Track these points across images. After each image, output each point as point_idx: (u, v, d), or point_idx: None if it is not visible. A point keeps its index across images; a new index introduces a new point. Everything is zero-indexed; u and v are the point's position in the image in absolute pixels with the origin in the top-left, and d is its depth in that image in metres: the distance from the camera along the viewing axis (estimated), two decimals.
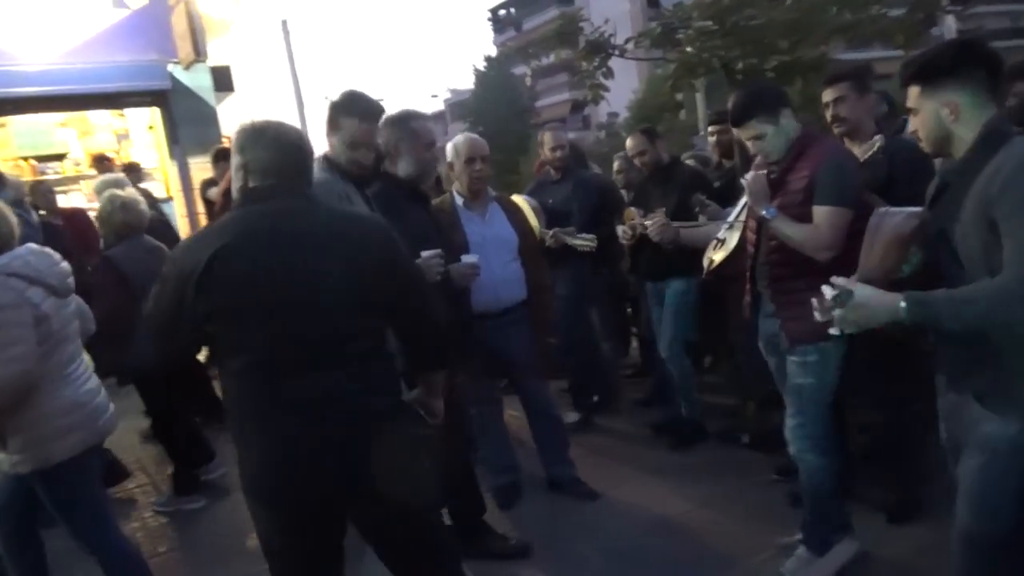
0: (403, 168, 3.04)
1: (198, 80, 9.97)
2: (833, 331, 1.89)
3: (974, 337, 1.78)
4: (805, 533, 2.88)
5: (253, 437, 1.93)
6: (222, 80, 10.60)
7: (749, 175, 2.79)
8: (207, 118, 9.75)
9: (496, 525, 3.43)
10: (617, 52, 6.01)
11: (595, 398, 4.93)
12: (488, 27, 46.44)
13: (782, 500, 3.39)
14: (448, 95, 54.97)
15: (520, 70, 38.43)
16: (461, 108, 42.47)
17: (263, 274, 1.86)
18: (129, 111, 10.53)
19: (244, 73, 12.45)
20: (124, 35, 9.38)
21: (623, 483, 3.87)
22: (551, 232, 4.31)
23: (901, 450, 3.22)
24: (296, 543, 2.00)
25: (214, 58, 10.39)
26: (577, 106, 45.40)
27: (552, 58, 6.18)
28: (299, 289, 1.86)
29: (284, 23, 16.52)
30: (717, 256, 3.09)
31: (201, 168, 8.89)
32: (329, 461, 1.89)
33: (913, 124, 1.99)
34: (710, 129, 4.80)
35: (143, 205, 4.22)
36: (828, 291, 1.86)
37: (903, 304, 1.76)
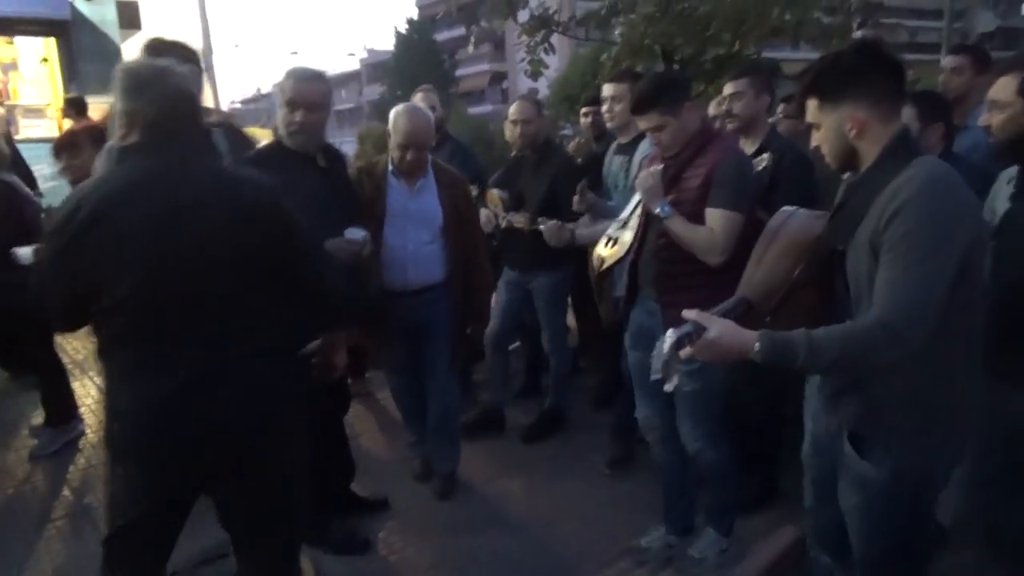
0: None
1: (102, 13, 9.24)
2: (668, 387, 1.67)
3: None
4: (712, 518, 2.96)
5: (130, 394, 1.87)
6: (128, 16, 9.90)
7: (643, 171, 2.68)
8: (110, 55, 9.05)
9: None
10: (560, 29, 5.90)
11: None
12: None
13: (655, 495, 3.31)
14: (365, 55, 53.55)
15: (443, 36, 37.80)
16: (379, 70, 41.42)
17: (139, 235, 1.77)
18: (20, 40, 9.65)
19: (152, 11, 11.60)
20: None
21: (500, 479, 3.73)
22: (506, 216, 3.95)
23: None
24: (149, 513, 1.94)
25: None
26: (496, 78, 45.17)
27: (494, 24, 6.00)
28: (176, 253, 1.79)
29: None
30: (608, 253, 2.92)
31: (101, 109, 8.24)
32: (206, 422, 1.85)
33: (815, 139, 1.82)
34: (583, 110, 4.56)
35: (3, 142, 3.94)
36: (670, 337, 1.63)
37: (757, 345, 1.62)
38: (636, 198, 2.78)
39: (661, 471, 3.03)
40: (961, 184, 1.66)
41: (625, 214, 2.89)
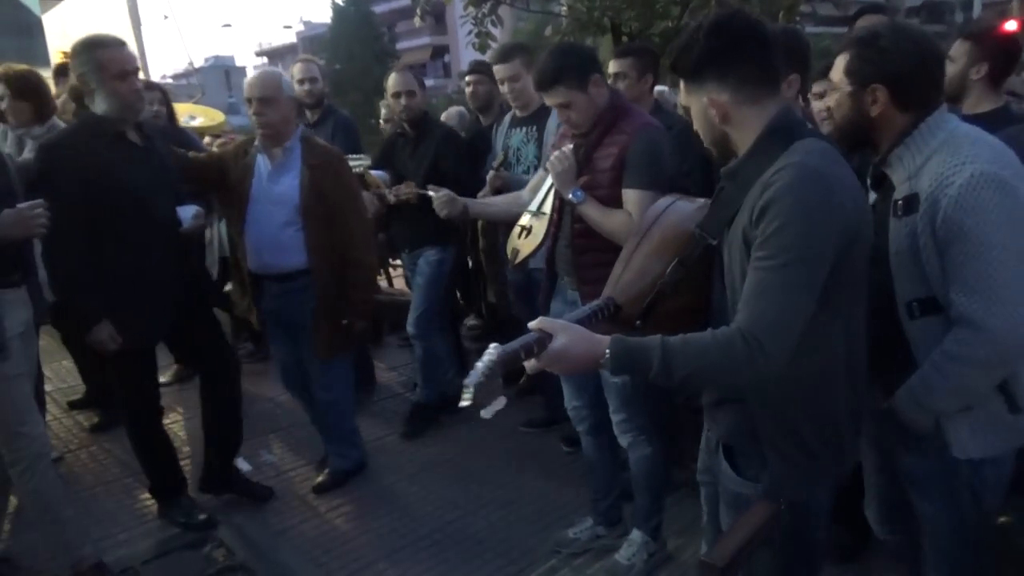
0: (99, 105, 2.75)
1: None
2: (484, 414, 1.35)
3: None
4: (638, 518, 2.82)
5: None
6: None
7: (554, 153, 2.50)
8: (30, 28, 8.51)
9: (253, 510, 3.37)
10: (508, 1, 5.80)
11: None
12: None
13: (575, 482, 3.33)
14: (302, 28, 52.08)
15: (381, 8, 36.96)
16: (316, 43, 40.35)
17: None
18: None
19: None
20: None
21: (409, 475, 3.63)
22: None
23: None
24: None
25: None
26: (438, 52, 44.47)
27: None
28: None
29: None
30: (523, 246, 2.75)
31: None
32: None
33: (695, 124, 1.64)
34: (467, 79, 4.30)
35: None
36: (489, 354, 1.30)
37: (607, 352, 1.38)
38: (548, 182, 2.61)
39: (590, 463, 2.95)
40: (839, 172, 1.45)
41: (538, 200, 2.73)
